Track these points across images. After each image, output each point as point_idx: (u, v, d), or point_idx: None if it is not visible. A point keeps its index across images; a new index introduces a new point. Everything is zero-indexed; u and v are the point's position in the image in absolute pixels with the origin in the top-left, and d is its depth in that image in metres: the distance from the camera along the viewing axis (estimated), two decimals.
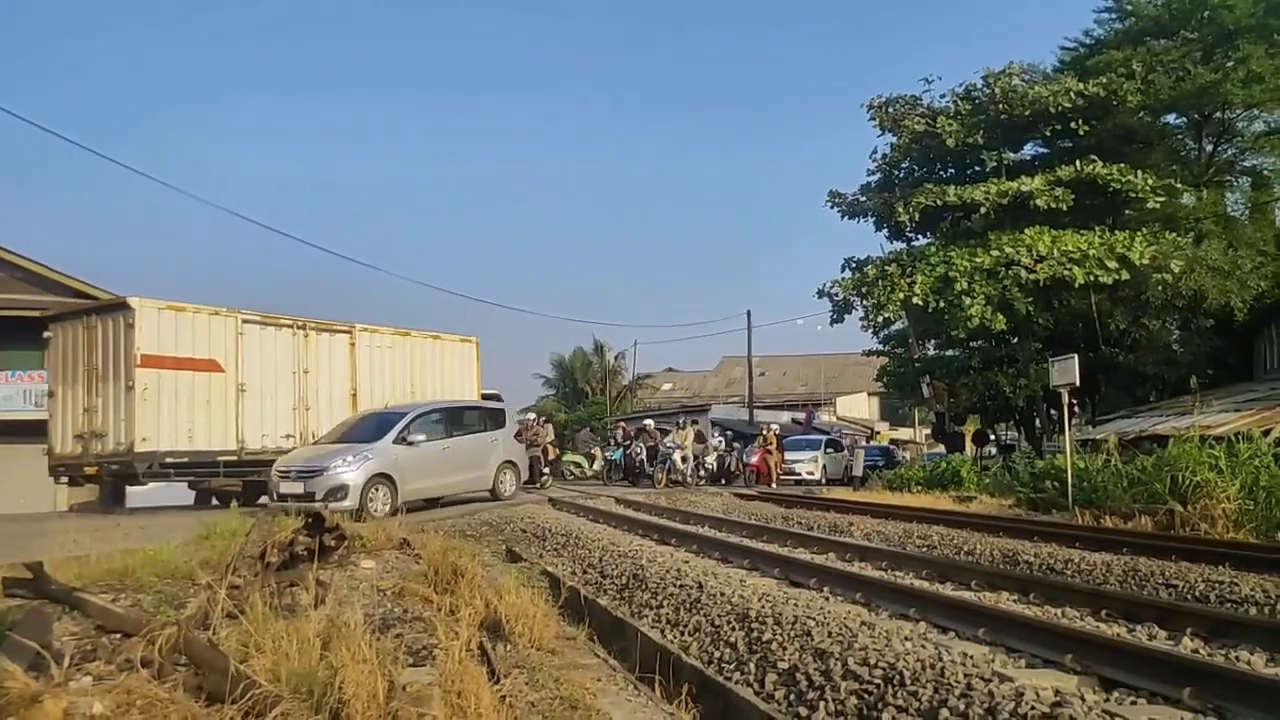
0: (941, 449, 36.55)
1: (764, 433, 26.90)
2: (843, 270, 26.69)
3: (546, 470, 21.50)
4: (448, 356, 20.84)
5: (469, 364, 21.50)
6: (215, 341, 16.12)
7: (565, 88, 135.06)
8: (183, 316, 15.78)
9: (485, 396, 22.51)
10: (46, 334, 16.48)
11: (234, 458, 16.12)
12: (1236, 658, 5.26)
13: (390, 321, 19.66)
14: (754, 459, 25.59)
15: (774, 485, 24.62)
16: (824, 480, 27.18)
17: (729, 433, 31.76)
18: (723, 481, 25.73)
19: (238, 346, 16.36)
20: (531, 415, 22.35)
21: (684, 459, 23.20)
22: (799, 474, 27.25)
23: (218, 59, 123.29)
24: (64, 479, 16.77)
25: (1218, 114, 26.20)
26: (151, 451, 14.93)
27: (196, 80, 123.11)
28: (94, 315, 15.84)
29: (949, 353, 28.59)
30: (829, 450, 29.83)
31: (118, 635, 4.78)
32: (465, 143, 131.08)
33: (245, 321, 16.63)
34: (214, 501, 16.85)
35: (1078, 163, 23.04)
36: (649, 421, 27.62)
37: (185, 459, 15.47)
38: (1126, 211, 24.72)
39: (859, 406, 58.58)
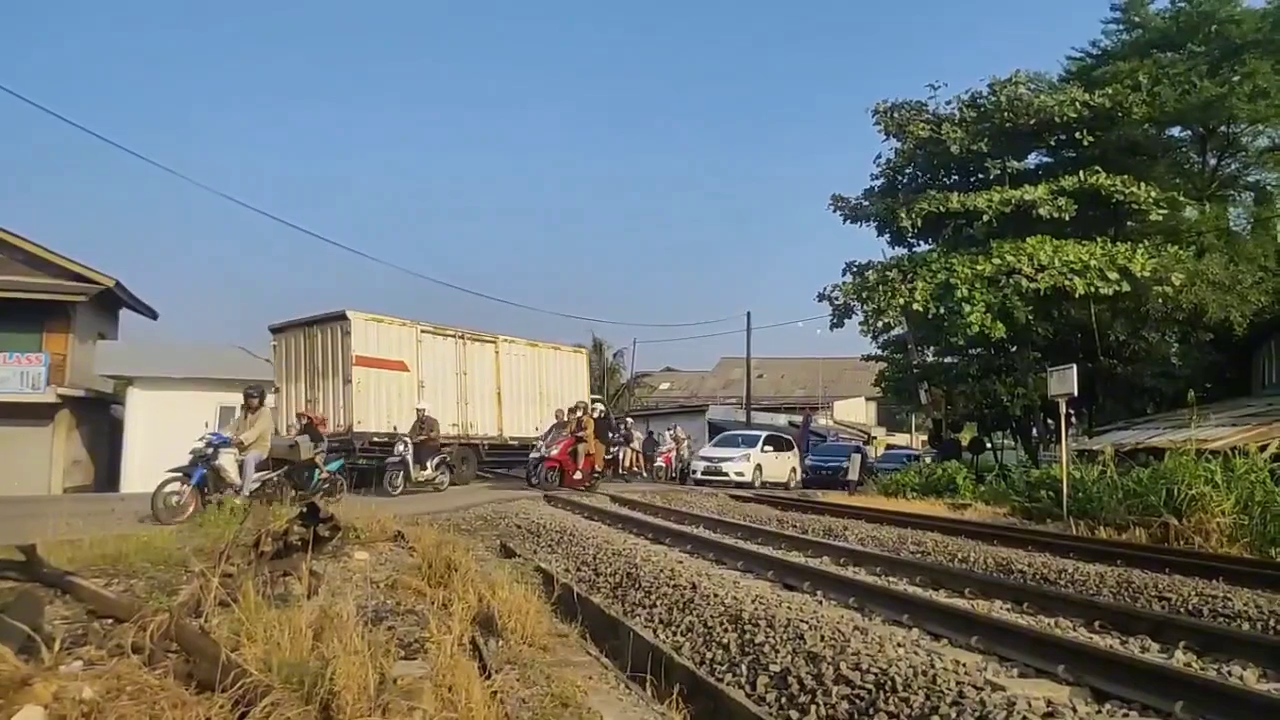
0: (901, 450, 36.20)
1: (578, 414, 20.17)
2: (844, 274, 26.70)
3: None
4: (564, 364, 24.64)
5: (581, 371, 25.42)
6: (403, 346, 19.64)
7: (570, 86, 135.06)
8: (381, 326, 19.33)
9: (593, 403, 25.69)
10: (272, 343, 20.09)
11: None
12: (1229, 672, 5.26)
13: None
14: (554, 451, 19.35)
15: (586, 485, 19.26)
16: (758, 483, 24.24)
17: (628, 420, 26.89)
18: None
19: (417, 351, 19.93)
20: None
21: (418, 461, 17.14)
22: (726, 474, 24.06)
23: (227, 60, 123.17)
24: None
25: (1222, 128, 26.23)
26: (364, 432, 18.41)
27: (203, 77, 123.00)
28: (314, 325, 19.26)
29: (948, 359, 28.53)
30: (767, 448, 26.01)
31: (109, 620, 4.77)
32: (468, 141, 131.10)
33: (423, 331, 20.24)
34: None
35: (1081, 173, 23.05)
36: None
37: (386, 439, 18.58)
38: (1129, 223, 24.74)
39: (857, 411, 58.59)
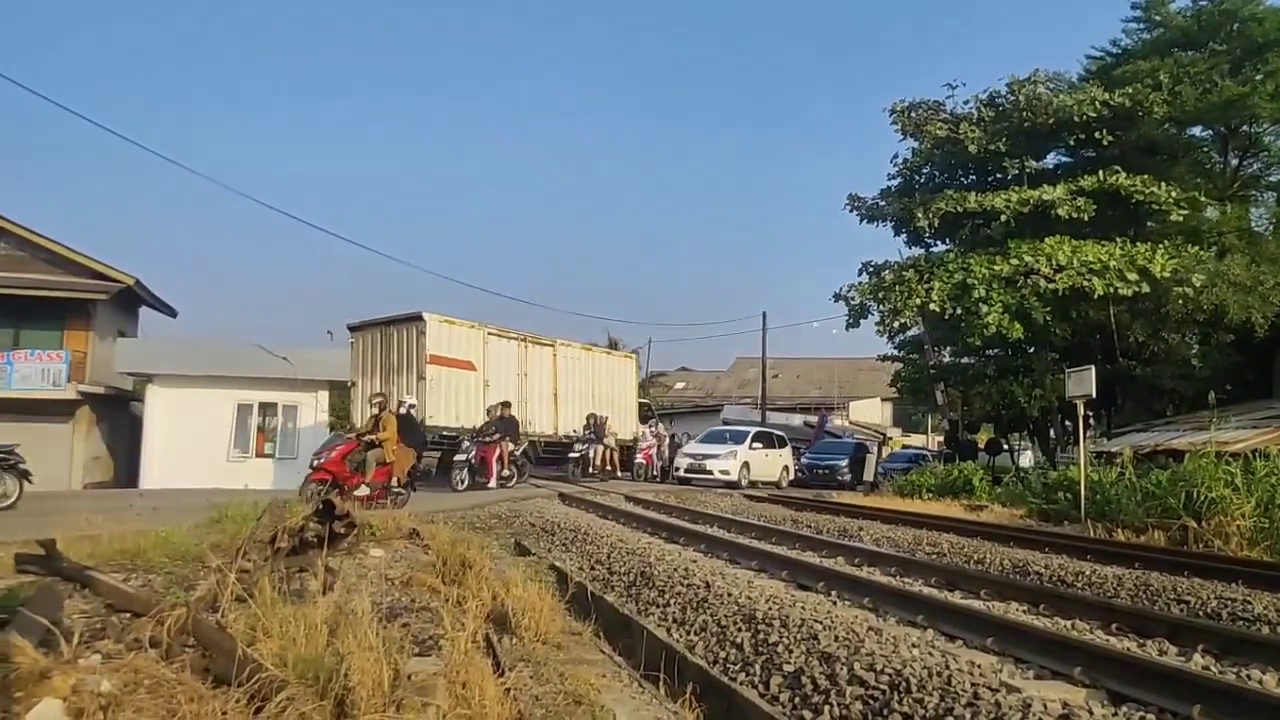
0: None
1: (376, 411, 15.22)
2: (860, 274, 26.60)
3: None
4: (615, 368, 25.93)
5: (630, 375, 26.79)
6: (470, 347, 20.78)
7: (583, 84, 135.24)
8: (453, 328, 20.43)
9: (640, 405, 26.86)
10: (350, 340, 21.25)
11: None
12: (1248, 676, 5.21)
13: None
14: (322, 460, 13.82)
15: (378, 500, 13.34)
16: (745, 482, 23.51)
17: (596, 415, 23.81)
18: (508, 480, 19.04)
19: (483, 352, 21.07)
20: None
21: None
22: (711, 472, 23.24)
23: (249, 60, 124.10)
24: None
25: (1244, 127, 25.94)
26: (435, 425, 19.17)
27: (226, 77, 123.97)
28: (390, 325, 20.33)
29: (964, 360, 28.33)
30: (756, 445, 24.94)
31: (127, 615, 4.81)
32: (484, 138, 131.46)
33: (489, 334, 21.40)
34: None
35: (1101, 173, 22.85)
36: None
37: (454, 433, 19.68)
38: (1149, 223, 24.52)
39: (872, 411, 58.30)
